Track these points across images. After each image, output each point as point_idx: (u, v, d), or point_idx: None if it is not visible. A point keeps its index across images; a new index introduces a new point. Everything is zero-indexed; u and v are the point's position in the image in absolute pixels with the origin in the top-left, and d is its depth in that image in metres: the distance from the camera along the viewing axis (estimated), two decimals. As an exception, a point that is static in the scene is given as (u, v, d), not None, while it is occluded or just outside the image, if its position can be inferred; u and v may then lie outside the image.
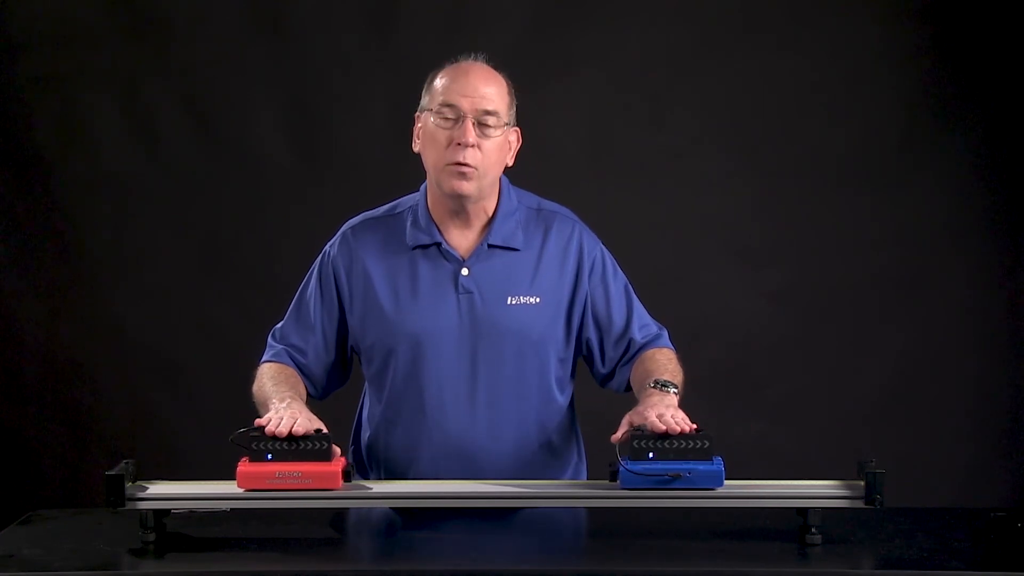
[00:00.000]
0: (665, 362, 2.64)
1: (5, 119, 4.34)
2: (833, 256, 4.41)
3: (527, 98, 2.61)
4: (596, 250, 2.71)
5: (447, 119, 2.55)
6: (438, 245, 2.63)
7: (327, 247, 2.72)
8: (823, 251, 4.41)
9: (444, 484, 2.46)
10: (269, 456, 2.30)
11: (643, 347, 2.70)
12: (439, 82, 2.59)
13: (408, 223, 2.66)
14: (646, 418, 2.34)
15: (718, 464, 2.30)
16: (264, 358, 2.71)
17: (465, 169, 2.55)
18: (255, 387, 2.63)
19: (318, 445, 2.31)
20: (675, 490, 2.29)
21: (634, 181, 4.37)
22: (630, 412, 2.43)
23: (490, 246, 2.63)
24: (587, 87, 4.36)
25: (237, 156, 4.37)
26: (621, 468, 2.29)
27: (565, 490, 2.45)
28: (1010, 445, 4.44)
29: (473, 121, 2.54)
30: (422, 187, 2.69)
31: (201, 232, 4.40)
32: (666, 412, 2.34)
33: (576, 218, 2.73)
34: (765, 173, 4.38)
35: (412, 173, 2.71)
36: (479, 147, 2.54)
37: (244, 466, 2.30)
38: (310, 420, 2.38)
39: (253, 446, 2.31)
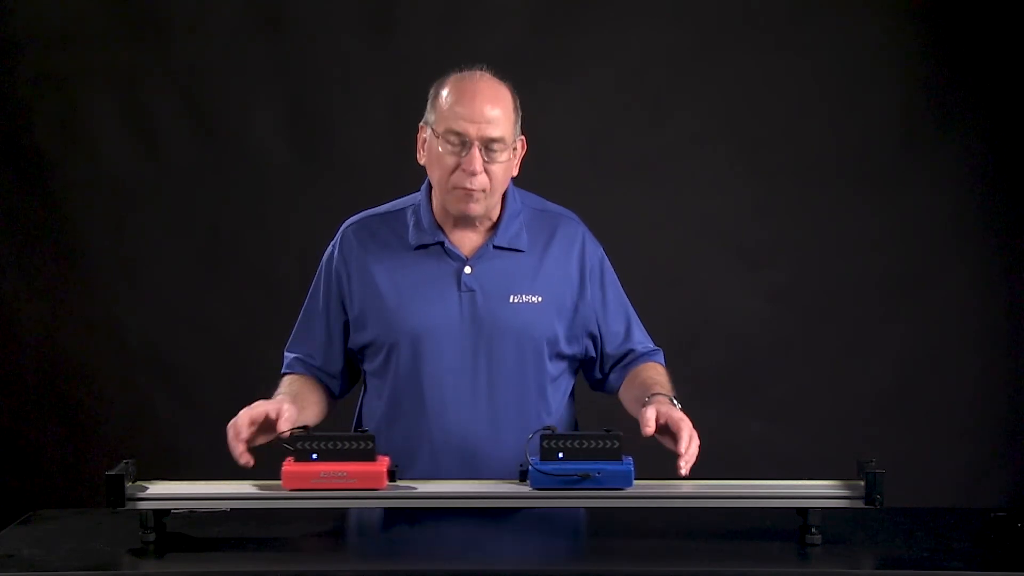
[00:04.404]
0: (664, 381, 2.63)
1: (5, 119, 4.34)
2: (833, 256, 4.41)
3: (527, 98, 2.60)
4: (598, 255, 2.71)
5: (453, 145, 2.51)
6: (441, 244, 2.63)
7: (329, 248, 2.72)
8: (823, 251, 4.41)
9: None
10: (314, 456, 2.29)
11: (641, 357, 2.72)
12: (444, 102, 2.52)
13: (411, 223, 2.65)
14: (673, 419, 2.34)
15: (628, 464, 2.28)
16: (282, 371, 2.73)
17: (472, 193, 2.54)
18: None
19: (362, 445, 2.30)
20: (585, 490, 2.27)
21: (634, 181, 4.37)
22: (653, 405, 2.39)
23: (495, 247, 2.63)
24: (587, 87, 4.36)
25: (237, 156, 4.37)
26: (531, 468, 2.27)
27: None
28: (1010, 445, 4.44)
29: (480, 147, 2.51)
30: (423, 187, 2.68)
31: (201, 232, 4.40)
32: (693, 444, 2.33)
33: (580, 221, 2.73)
34: (765, 173, 4.38)
35: (412, 173, 2.71)
36: (486, 171, 2.52)
37: (289, 466, 2.30)
38: (278, 407, 2.37)
39: (298, 446, 2.30)
